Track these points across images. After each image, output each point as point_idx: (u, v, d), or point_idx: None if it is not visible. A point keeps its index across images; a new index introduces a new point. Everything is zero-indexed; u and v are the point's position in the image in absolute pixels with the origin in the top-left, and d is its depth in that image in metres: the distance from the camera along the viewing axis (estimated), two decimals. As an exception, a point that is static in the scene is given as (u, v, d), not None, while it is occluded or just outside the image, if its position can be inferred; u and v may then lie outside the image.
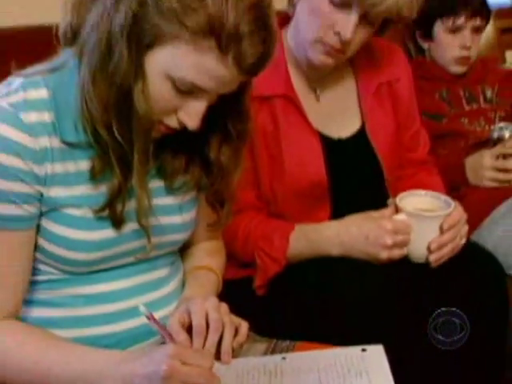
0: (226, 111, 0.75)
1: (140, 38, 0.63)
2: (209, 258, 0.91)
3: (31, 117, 0.66)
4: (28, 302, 0.74)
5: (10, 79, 0.70)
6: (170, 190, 0.80)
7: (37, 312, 0.75)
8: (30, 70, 0.71)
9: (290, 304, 0.97)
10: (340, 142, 1.08)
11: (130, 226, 0.74)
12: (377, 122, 1.10)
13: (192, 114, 0.69)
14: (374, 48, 1.11)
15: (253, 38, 0.63)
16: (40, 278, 0.74)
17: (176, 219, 0.80)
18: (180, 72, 0.65)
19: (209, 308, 0.72)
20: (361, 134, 1.09)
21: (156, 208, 0.75)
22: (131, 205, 0.73)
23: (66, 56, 0.72)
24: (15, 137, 0.65)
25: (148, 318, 0.67)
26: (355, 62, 1.10)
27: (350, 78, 1.11)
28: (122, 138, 0.67)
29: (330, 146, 1.06)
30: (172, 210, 0.80)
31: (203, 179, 0.80)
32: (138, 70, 0.65)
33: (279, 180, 1.03)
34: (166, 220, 0.78)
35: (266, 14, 0.64)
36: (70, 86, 0.68)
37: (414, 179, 1.16)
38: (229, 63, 0.63)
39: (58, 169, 0.69)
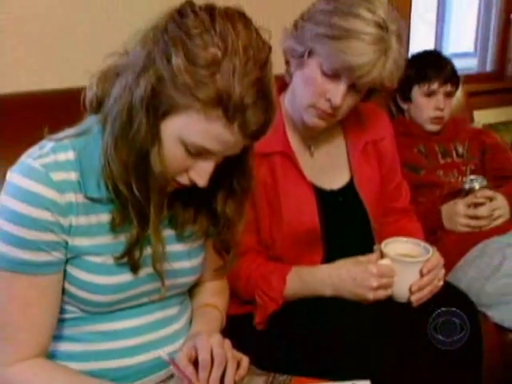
0: (231, 170, 0.78)
1: (157, 108, 0.67)
2: (214, 297, 0.93)
3: (60, 176, 0.70)
4: (54, 337, 0.77)
5: (42, 143, 0.75)
6: (180, 238, 0.82)
7: (61, 346, 0.78)
8: (59, 134, 0.75)
9: (287, 339, 0.99)
10: (332, 193, 1.11)
11: (145, 271, 0.77)
12: (364, 175, 1.13)
13: (201, 174, 0.72)
14: (360, 111, 1.15)
15: (256, 108, 0.66)
16: (64, 316, 0.77)
17: (185, 264, 0.83)
18: (191, 137, 0.68)
19: (213, 344, 0.74)
20: (350, 186, 1.13)
21: (168, 254, 0.78)
22: (147, 251, 0.76)
23: (90, 122, 0.76)
24: (46, 193, 0.69)
25: (169, 362, 0.72)
26: (345, 123, 1.14)
27: (340, 137, 1.16)
28: (139, 195, 0.70)
29: (323, 196, 1.09)
30: (182, 255, 0.83)
31: (210, 229, 0.83)
32: (154, 135, 0.68)
33: (278, 227, 1.06)
34: (176, 265, 0.81)
35: (267, 87, 0.68)
36: (93, 148, 0.72)
37: (397, 225, 1.19)
38: (234, 130, 0.67)
39: (82, 221, 0.73)
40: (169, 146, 0.70)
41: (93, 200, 0.73)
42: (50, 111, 1.05)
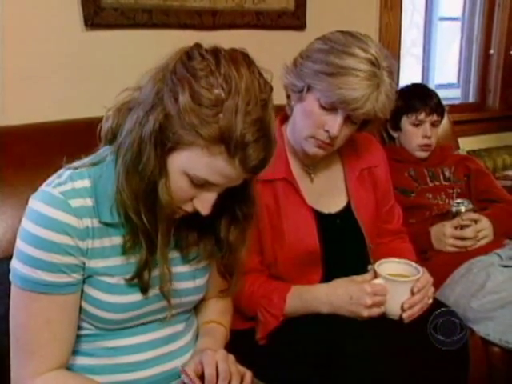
0: (234, 198, 0.78)
1: (164, 143, 0.67)
2: (219, 314, 0.94)
3: (77, 202, 0.71)
4: (72, 352, 0.77)
5: (60, 172, 0.75)
6: (185, 260, 0.82)
7: (79, 360, 0.78)
8: (76, 163, 0.76)
9: (287, 354, 0.98)
10: (330, 216, 1.11)
11: (153, 291, 0.77)
12: (360, 199, 1.14)
13: (204, 203, 0.72)
14: (356, 140, 1.17)
15: (256, 145, 0.66)
16: (80, 332, 0.77)
17: (190, 284, 0.83)
18: (195, 171, 0.68)
19: (219, 359, 0.74)
20: (347, 210, 1.13)
21: (173, 275, 0.78)
22: (155, 273, 0.76)
23: (105, 152, 0.76)
24: (66, 219, 0.70)
25: (181, 372, 0.73)
26: (342, 151, 1.15)
27: (337, 164, 1.16)
28: (148, 223, 0.71)
29: (322, 219, 1.09)
30: (187, 276, 0.83)
31: (214, 251, 0.82)
32: (162, 168, 0.69)
33: (280, 248, 1.06)
34: (182, 285, 0.81)
35: (268, 125, 0.68)
36: (107, 177, 0.73)
37: (390, 246, 1.19)
38: (236, 165, 0.67)
39: (97, 244, 0.73)
40: (175, 178, 0.70)
41: (106, 224, 0.73)
42: (69, 140, 1.07)
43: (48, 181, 0.74)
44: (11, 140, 1.10)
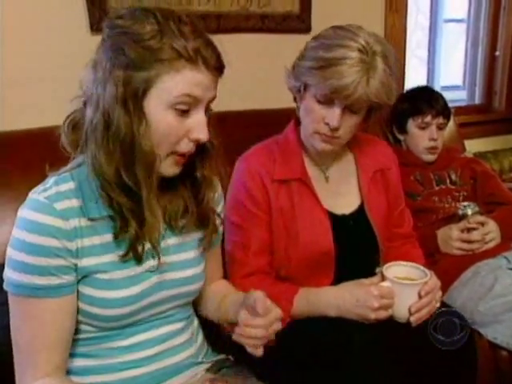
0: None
1: (135, 94, 0.70)
2: (227, 288, 0.99)
3: (63, 205, 0.72)
4: (71, 354, 0.78)
5: (46, 180, 0.77)
6: (183, 246, 0.84)
7: (77, 362, 0.79)
8: (59, 170, 0.78)
9: (294, 355, 0.98)
10: (343, 217, 1.11)
11: (150, 282, 0.78)
12: (373, 201, 1.14)
13: (200, 127, 0.75)
14: (370, 143, 1.19)
15: (206, 46, 0.72)
16: (79, 336, 0.78)
17: (189, 272, 0.85)
18: (174, 93, 0.71)
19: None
20: (360, 211, 1.13)
21: (172, 264, 0.81)
22: (150, 263, 0.78)
23: (82, 156, 0.77)
24: (51, 222, 0.71)
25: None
26: (356, 152, 1.16)
27: (351, 165, 1.17)
28: (129, 180, 0.71)
29: (336, 220, 1.09)
30: (185, 264, 0.85)
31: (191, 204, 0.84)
32: (139, 117, 0.71)
33: (294, 248, 1.06)
34: (180, 274, 0.83)
35: (202, 30, 0.74)
36: (89, 175, 0.74)
37: (400, 250, 1.19)
38: (202, 69, 0.72)
39: (86, 242, 0.74)
40: (159, 119, 0.72)
41: (94, 220, 0.74)
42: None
43: (34, 189, 0.76)
44: (18, 145, 1.11)
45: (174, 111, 0.72)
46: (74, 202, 0.74)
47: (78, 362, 0.79)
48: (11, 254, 0.72)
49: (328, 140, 1.04)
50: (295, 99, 1.10)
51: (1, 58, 1.23)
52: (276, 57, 1.38)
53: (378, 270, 1.02)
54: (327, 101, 1.00)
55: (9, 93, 1.25)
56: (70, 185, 0.75)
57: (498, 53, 2.33)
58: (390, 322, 0.96)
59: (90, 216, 0.74)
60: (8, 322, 0.75)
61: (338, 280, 1.06)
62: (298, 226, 1.06)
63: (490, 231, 1.37)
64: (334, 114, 1.00)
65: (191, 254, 0.86)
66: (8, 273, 0.73)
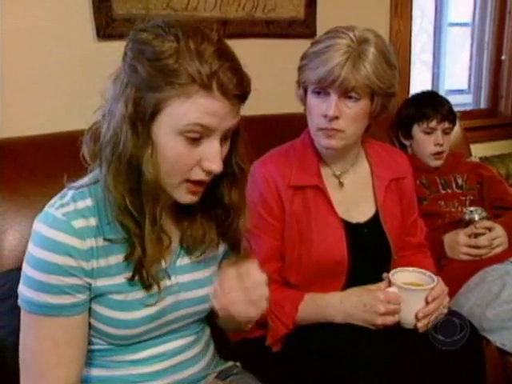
0: (229, 159, 0.77)
1: (142, 117, 0.67)
2: None
3: (80, 223, 0.70)
4: (87, 365, 0.78)
5: (63, 192, 0.74)
6: (196, 266, 0.81)
7: (92, 371, 0.79)
8: (78, 182, 0.75)
9: (299, 361, 0.98)
10: (358, 225, 1.10)
11: (163, 303, 0.77)
12: (388, 210, 1.13)
13: (212, 157, 0.70)
14: (385, 152, 1.19)
15: (225, 70, 0.66)
16: (92, 347, 0.77)
17: (204, 291, 0.82)
18: (184, 120, 0.67)
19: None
20: (375, 219, 1.12)
21: (187, 283, 0.79)
22: (165, 283, 0.76)
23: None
24: (68, 241, 0.69)
25: None
26: (371, 160, 1.16)
27: (367, 173, 1.16)
28: (132, 207, 0.68)
29: (350, 229, 1.08)
30: (199, 283, 0.82)
31: (218, 237, 0.81)
32: (146, 142, 0.67)
33: (307, 255, 1.06)
34: (195, 293, 0.81)
35: (227, 53, 0.69)
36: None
37: (412, 259, 1.17)
38: (216, 95, 0.66)
39: (102, 263, 0.73)
40: (169, 145, 0.68)
41: (110, 241, 0.72)
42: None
43: (52, 201, 0.74)
44: (25, 151, 1.12)
45: (184, 138, 0.68)
46: (92, 221, 0.71)
47: (93, 372, 0.78)
48: (26, 270, 0.71)
49: (331, 134, 1.03)
50: (305, 109, 1.10)
51: (6, 64, 1.24)
52: (282, 62, 1.39)
53: (384, 275, 1.02)
54: (323, 92, 1.01)
55: (13, 99, 1.26)
56: (88, 202, 0.72)
57: (503, 57, 2.33)
58: (396, 327, 0.96)
59: (106, 236, 0.72)
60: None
61: (347, 288, 1.06)
62: (313, 234, 1.06)
63: (498, 236, 1.36)
64: (329, 104, 1.00)
65: (206, 273, 0.83)
66: (22, 289, 0.72)
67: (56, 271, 0.69)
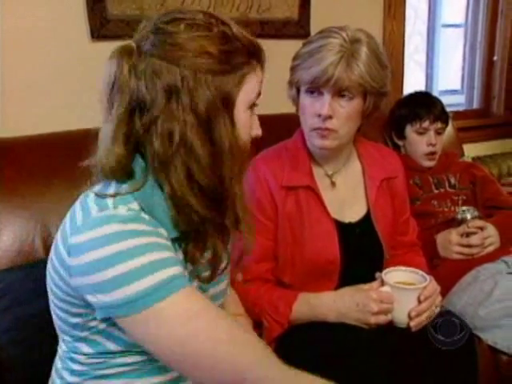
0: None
1: (229, 99, 0.67)
2: (237, 306, 0.96)
3: (145, 216, 0.66)
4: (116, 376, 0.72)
5: (87, 203, 0.67)
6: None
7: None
8: (100, 190, 0.69)
9: (294, 360, 0.93)
10: (350, 225, 1.11)
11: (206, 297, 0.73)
12: (379, 209, 1.13)
13: (257, 125, 0.75)
14: (377, 152, 1.19)
15: (260, 46, 0.72)
16: (128, 360, 0.71)
17: (220, 288, 0.82)
18: (254, 93, 0.71)
19: None
20: (366, 219, 1.12)
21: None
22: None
23: (132, 183, 0.68)
24: (148, 228, 0.64)
25: None
26: (363, 161, 1.16)
27: (359, 173, 1.16)
28: (229, 182, 0.68)
29: (342, 228, 1.09)
30: (220, 278, 0.80)
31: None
32: (231, 121, 0.68)
33: (300, 255, 1.06)
34: (214, 290, 0.80)
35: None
36: (155, 198, 0.68)
37: (404, 258, 1.18)
38: (262, 68, 0.73)
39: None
40: (242, 119, 0.70)
41: (172, 240, 0.69)
42: (78, 151, 1.06)
43: (95, 208, 0.65)
44: (21, 151, 1.11)
45: (249, 111, 0.72)
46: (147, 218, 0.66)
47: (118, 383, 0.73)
48: (118, 270, 0.61)
49: (325, 135, 1.03)
50: (297, 110, 1.11)
51: (2, 65, 1.24)
52: (275, 62, 1.37)
53: (377, 275, 1.03)
54: (316, 92, 1.01)
55: (10, 100, 1.25)
56: (135, 205, 0.66)
57: (495, 57, 2.34)
58: (389, 326, 0.97)
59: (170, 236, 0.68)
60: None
61: (340, 287, 1.06)
62: (305, 234, 1.06)
63: (490, 235, 1.37)
64: (323, 102, 1.00)
65: (223, 265, 0.82)
66: (130, 288, 0.61)
67: (160, 248, 0.64)
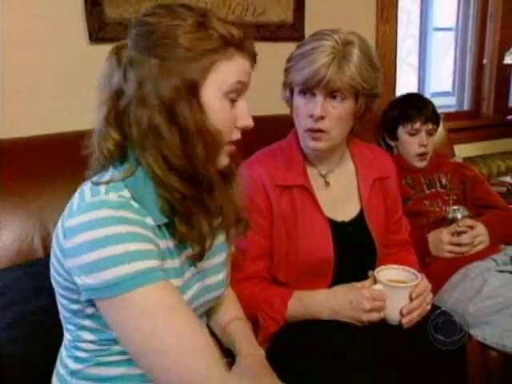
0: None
1: (193, 87, 0.68)
2: (237, 306, 0.97)
3: (134, 204, 0.69)
4: (108, 363, 0.74)
5: (85, 190, 0.70)
6: (215, 250, 0.82)
7: (117, 371, 0.75)
8: (96, 179, 0.72)
9: (289, 358, 0.98)
10: (343, 224, 1.12)
11: (198, 286, 0.78)
12: (372, 208, 1.14)
13: (246, 114, 0.75)
14: (370, 152, 1.20)
15: (246, 35, 0.73)
16: (118, 348, 0.73)
17: (219, 277, 0.84)
18: (228, 81, 0.71)
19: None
20: (359, 218, 1.13)
21: (211, 268, 0.81)
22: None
23: (122, 169, 0.73)
24: (136, 216, 0.66)
25: None
26: (356, 161, 1.17)
27: (352, 172, 1.17)
28: (201, 166, 0.69)
29: (336, 227, 1.10)
30: (218, 269, 0.84)
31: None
32: (200, 108, 0.69)
33: (294, 254, 1.07)
34: (211, 280, 0.82)
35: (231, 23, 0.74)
36: (144, 183, 0.71)
37: (396, 257, 1.19)
38: (246, 56, 0.73)
39: (161, 245, 0.71)
40: (216, 108, 0.70)
41: (159, 227, 0.72)
42: (75, 152, 1.07)
43: (88, 193, 0.69)
44: (20, 152, 1.12)
45: (227, 99, 0.72)
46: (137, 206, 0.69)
47: (116, 371, 0.74)
48: (101, 253, 0.63)
49: (318, 137, 1.04)
50: (291, 112, 1.11)
51: (2, 67, 1.24)
52: (270, 65, 1.39)
53: (370, 273, 1.03)
54: (309, 93, 1.02)
55: (9, 101, 1.25)
56: (126, 193, 0.69)
57: (485, 61, 2.37)
58: (383, 323, 0.97)
59: (156, 222, 0.71)
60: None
61: (334, 285, 1.07)
62: (300, 233, 1.07)
63: (479, 234, 1.38)
64: (315, 103, 1.01)
65: (222, 257, 0.85)
66: (111, 272, 0.63)
67: (143, 239, 0.66)
